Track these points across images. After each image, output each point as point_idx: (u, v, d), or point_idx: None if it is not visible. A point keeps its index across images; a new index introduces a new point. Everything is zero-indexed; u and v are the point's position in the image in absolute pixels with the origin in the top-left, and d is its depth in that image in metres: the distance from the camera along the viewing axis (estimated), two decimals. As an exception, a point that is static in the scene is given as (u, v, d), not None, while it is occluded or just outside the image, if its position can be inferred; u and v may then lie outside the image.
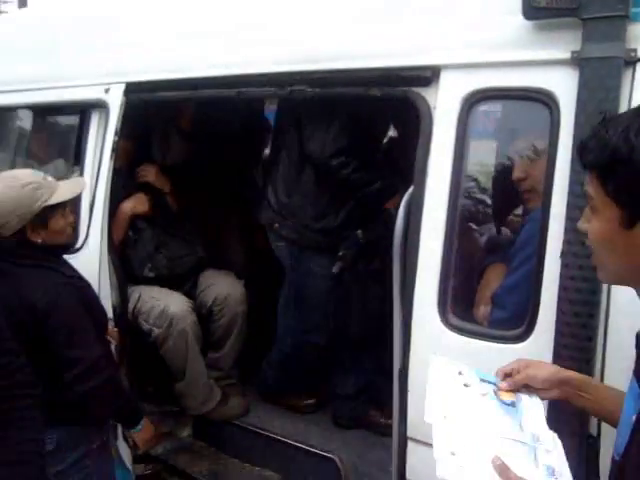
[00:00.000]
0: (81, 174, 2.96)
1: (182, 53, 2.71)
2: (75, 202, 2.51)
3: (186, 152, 3.31)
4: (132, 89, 2.81)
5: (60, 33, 3.40)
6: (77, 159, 3.10)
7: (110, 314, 2.76)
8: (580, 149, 1.08)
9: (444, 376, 1.45)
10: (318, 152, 2.76)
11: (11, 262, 2.16)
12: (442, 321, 1.92)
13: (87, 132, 3.00)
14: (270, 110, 3.75)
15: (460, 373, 1.45)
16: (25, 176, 2.19)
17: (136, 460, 3.04)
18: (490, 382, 1.42)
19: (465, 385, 1.42)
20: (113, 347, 2.61)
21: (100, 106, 2.91)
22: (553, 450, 1.29)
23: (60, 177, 2.43)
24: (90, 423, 2.31)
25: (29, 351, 2.16)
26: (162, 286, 3.26)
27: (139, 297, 3.15)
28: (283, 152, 2.98)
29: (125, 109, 2.82)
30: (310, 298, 3.05)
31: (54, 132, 3.66)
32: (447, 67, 1.95)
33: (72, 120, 3.21)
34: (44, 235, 2.21)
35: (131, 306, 3.12)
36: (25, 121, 3.67)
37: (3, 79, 3.55)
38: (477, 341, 1.87)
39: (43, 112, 3.53)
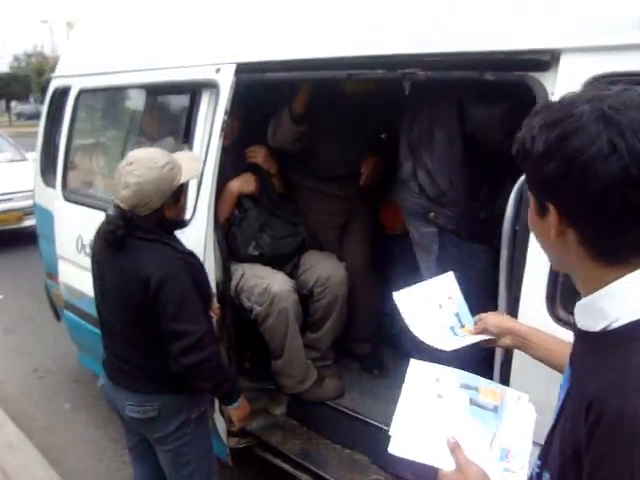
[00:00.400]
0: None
1: (293, 34, 2.72)
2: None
3: (295, 135, 3.29)
4: (242, 69, 2.83)
5: (172, 15, 3.50)
6: (186, 137, 3.17)
7: (213, 290, 2.82)
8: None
9: (419, 384, 1.46)
10: (493, 133, 2.57)
11: (133, 237, 2.25)
12: (550, 315, 1.85)
13: (197, 111, 3.05)
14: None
15: (437, 380, 1.47)
16: (160, 157, 2.26)
17: (230, 433, 3.13)
18: (470, 387, 1.43)
19: (439, 396, 1.43)
20: (214, 322, 2.68)
21: (211, 86, 2.96)
22: (518, 471, 1.29)
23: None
24: (191, 393, 2.38)
25: (139, 322, 2.27)
26: (265, 265, 3.30)
27: (242, 275, 3.20)
28: (439, 135, 2.75)
29: (235, 89, 2.85)
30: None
31: (165, 111, 3.77)
32: (568, 51, 1.84)
33: (183, 99, 3.29)
34: (175, 211, 2.32)
35: (234, 283, 3.18)
36: (138, 100, 3.80)
37: (118, 61, 3.70)
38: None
39: (155, 92, 3.64)
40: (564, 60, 1.84)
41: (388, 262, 3.71)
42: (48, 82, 4.56)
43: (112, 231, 2.22)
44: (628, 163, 0.88)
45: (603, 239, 0.97)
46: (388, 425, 3.06)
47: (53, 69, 4.57)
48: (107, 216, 2.27)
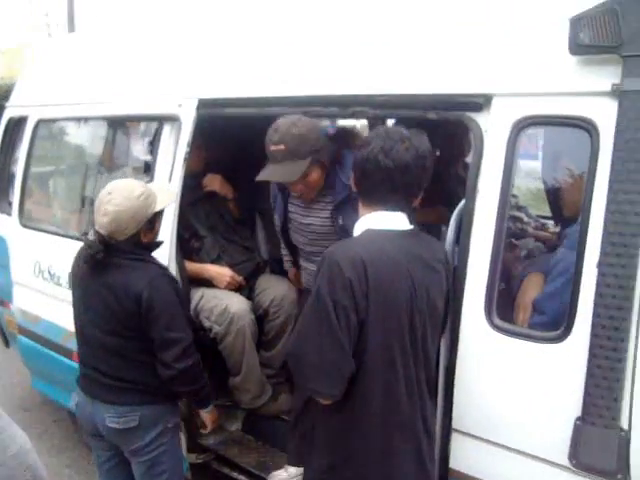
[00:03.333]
0: (151, 182, 3.19)
1: (251, 73, 2.93)
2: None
3: None
4: (204, 105, 3.02)
5: (135, 50, 3.67)
6: (147, 168, 3.34)
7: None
8: None
9: None
10: None
11: (119, 257, 2.44)
12: (488, 322, 2.12)
13: (159, 143, 3.22)
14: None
15: None
16: (137, 187, 2.46)
17: (189, 449, 3.25)
18: None
19: None
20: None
21: (173, 119, 3.14)
22: None
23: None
24: (169, 403, 2.56)
25: (127, 334, 2.43)
26: (223, 288, 3.47)
27: (202, 296, 3.37)
28: None
29: (197, 123, 3.04)
30: None
31: (126, 143, 3.91)
32: (498, 95, 2.15)
33: (145, 132, 3.46)
34: (150, 236, 2.53)
35: (193, 304, 3.35)
36: (99, 132, 3.94)
37: (79, 92, 3.84)
38: (520, 341, 2.07)
39: (117, 124, 3.79)
40: (495, 103, 2.15)
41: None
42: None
43: (92, 255, 2.39)
44: (367, 157, 1.94)
45: (363, 190, 2.01)
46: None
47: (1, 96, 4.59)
48: (87, 241, 2.45)
